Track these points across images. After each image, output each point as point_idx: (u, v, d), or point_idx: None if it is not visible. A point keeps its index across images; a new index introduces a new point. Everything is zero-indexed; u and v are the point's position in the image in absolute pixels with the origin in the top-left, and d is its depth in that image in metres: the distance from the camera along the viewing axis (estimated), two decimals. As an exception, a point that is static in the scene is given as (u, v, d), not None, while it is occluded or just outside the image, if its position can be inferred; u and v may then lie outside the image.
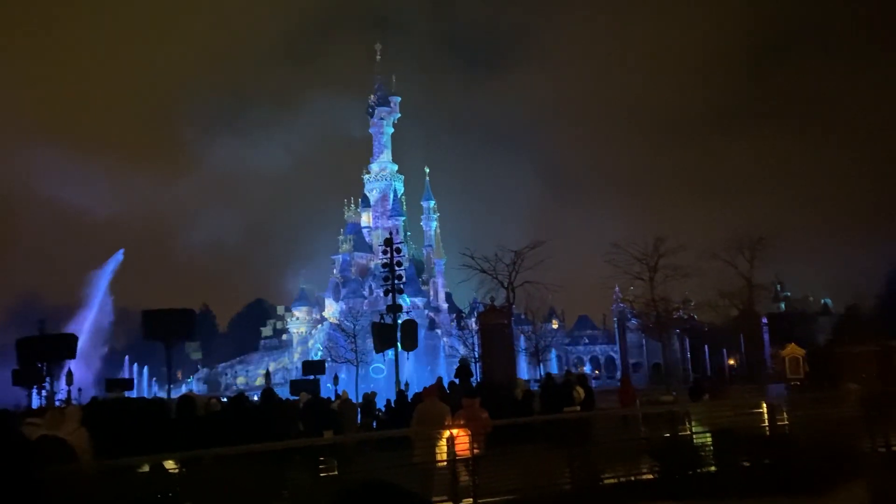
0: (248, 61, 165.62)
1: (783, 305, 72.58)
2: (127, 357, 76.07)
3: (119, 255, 75.47)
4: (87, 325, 68.16)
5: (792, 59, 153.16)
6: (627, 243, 46.98)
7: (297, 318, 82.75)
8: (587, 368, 74.39)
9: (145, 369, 73.66)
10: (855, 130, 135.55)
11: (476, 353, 44.36)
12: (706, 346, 65.94)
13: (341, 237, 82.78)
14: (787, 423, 12.19)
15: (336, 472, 10.16)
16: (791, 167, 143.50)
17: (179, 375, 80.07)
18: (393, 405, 20.84)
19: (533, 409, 15.43)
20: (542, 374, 37.01)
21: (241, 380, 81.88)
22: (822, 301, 72.58)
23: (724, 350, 63.13)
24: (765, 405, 12.31)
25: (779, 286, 71.95)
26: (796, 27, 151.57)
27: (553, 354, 68.03)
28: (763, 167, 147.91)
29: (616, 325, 76.14)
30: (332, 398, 22.05)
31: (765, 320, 52.16)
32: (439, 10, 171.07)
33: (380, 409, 23.76)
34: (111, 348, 74.93)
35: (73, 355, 41.84)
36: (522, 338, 56.46)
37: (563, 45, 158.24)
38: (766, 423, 11.82)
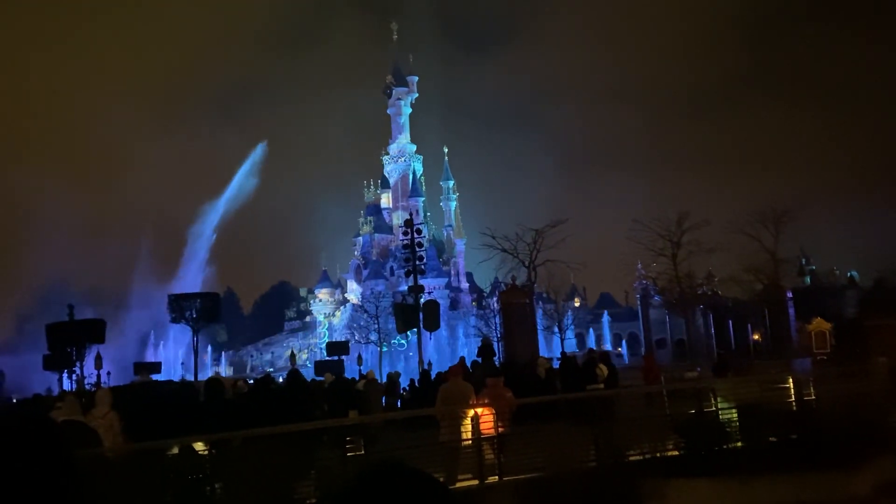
0: (250, 47, 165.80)
1: (808, 279, 71.71)
2: (153, 339, 77.36)
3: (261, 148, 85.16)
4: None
5: (799, 27, 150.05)
6: (650, 219, 46.74)
7: (321, 300, 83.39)
8: (622, 345, 74.47)
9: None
10: (874, 97, 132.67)
11: (498, 333, 44.46)
12: (730, 322, 65.40)
13: (361, 219, 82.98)
14: (813, 397, 12.08)
15: (362, 452, 10.26)
16: (812, 138, 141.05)
17: (206, 358, 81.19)
18: (417, 385, 21.01)
19: (556, 387, 15.45)
20: (561, 351, 37.01)
21: (267, 361, 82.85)
22: (849, 274, 71.49)
23: (749, 325, 62.57)
24: (791, 380, 12.20)
25: (804, 260, 71.03)
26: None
27: (574, 332, 68.02)
28: (784, 140, 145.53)
29: (639, 302, 75.74)
30: (357, 378, 22.27)
31: (790, 294, 51.52)
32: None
33: (404, 389, 23.96)
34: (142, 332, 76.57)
35: (101, 340, 42.61)
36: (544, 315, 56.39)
37: (573, 23, 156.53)
38: (793, 399, 11.73)
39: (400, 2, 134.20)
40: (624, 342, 75.72)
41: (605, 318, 77.71)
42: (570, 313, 62.44)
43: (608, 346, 70.81)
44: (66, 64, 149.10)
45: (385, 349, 56.77)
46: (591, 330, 75.35)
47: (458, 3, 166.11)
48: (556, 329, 56.11)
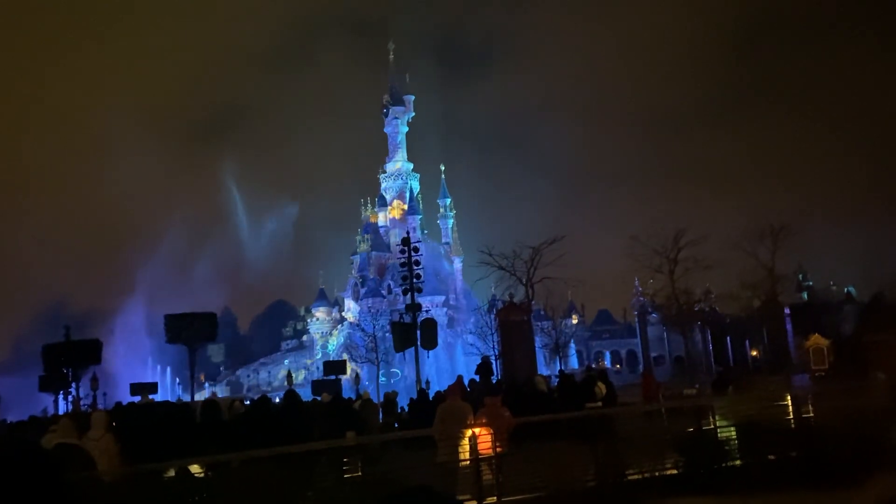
0: (244, 70, 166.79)
1: (806, 295, 71.73)
2: (150, 359, 77.21)
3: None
4: None
5: (796, 42, 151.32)
6: (647, 236, 46.80)
7: (318, 319, 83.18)
8: (608, 363, 74.20)
9: (167, 370, 75.08)
10: (872, 113, 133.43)
11: (496, 351, 44.35)
12: (728, 338, 65.39)
13: (359, 237, 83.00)
14: (812, 415, 12.05)
15: (360, 473, 10.19)
16: (809, 154, 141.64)
17: (203, 378, 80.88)
18: (415, 404, 20.87)
19: (556, 405, 15.38)
20: (559, 369, 36.90)
21: (264, 381, 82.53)
22: (846, 289, 71.59)
23: (747, 341, 62.57)
24: (790, 397, 12.17)
25: (801, 275, 71.14)
26: (785, 9, 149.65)
27: (573, 350, 67.94)
28: (781, 156, 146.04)
29: (637, 319, 75.70)
30: (354, 398, 22.15)
31: (788, 310, 51.55)
32: (437, 10, 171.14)
33: (403, 408, 23.80)
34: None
35: (98, 360, 42.41)
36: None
37: (567, 42, 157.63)
38: (792, 416, 11.70)
39: (394, 23, 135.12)
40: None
41: (603, 335, 77.75)
42: (568, 330, 62.37)
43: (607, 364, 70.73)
44: (60, 87, 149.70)
45: (382, 369, 56.51)
46: (589, 347, 75.31)
47: (452, 23, 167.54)
48: (553, 346, 55.99)
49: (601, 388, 15.14)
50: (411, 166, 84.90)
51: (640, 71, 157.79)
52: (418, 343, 33.57)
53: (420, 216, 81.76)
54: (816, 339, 38.24)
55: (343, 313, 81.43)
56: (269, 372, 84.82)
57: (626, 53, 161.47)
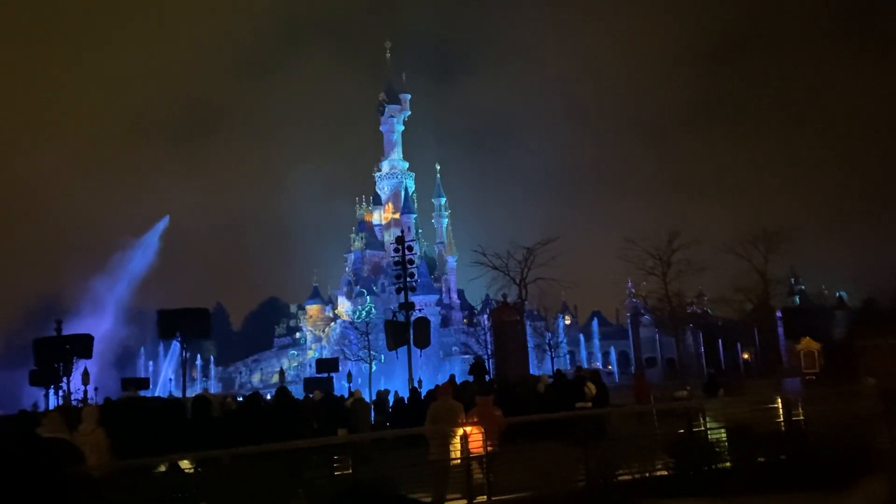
0: (235, 69, 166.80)
1: (798, 299, 72.04)
2: (143, 355, 76.99)
3: (165, 220, 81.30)
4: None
5: (792, 50, 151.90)
6: (640, 238, 46.87)
7: (311, 317, 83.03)
8: (612, 364, 74.45)
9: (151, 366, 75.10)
10: (864, 120, 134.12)
11: (489, 351, 44.41)
12: (720, 341, 65.61)
13: (353, 235, 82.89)
14: (802, 418, 12.09)
15: (351, 471, 10.19)
16: (803, 160, 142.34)
17: (194, 374, 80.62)
18: (405, 402, 20.90)
19: (547, 405, 15.42)
20: (555, 370, 36.94)
21: (256, 378, 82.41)
22: (838, 294, 71.85)
23: (739, 344, 62.79)
24: (780, 400, 12.22)
25: (793, 280, 71.40)
26: (779, 17, 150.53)
27: (565, 350, 68.07)
28: (775, 161, 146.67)
29: (629, 321, 75.83)
30: (346, 395, 22.15)
31: (779, 314, 51.77)
32: (434, 11, 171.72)
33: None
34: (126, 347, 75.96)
35: (89, 355, 42.27)
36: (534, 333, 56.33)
37: (562, 46, 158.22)
38: (782, 419, 11.74)
39: (391, 23, 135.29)
40: (614, 360, 75.79)
41: (596, 336, 77.83)
42: (560, 331, 62.50)
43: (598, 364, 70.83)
44: (51, 90, 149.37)
45: (375, 368, 56.46)
46: (581, 347, 75.41)
47: (448, 26, 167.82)
48: (546, 347, 56.08)
49: (591, 388, 15.19)
50: (406, 165, 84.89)
51: (635, 75, 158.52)
52: (411, 342, 33.53)
53: (415, 215, 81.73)
54: (808, 343, 38.39)
55: (336, 311, 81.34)
56: (262, 369, 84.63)
57: (623, 57, 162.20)
